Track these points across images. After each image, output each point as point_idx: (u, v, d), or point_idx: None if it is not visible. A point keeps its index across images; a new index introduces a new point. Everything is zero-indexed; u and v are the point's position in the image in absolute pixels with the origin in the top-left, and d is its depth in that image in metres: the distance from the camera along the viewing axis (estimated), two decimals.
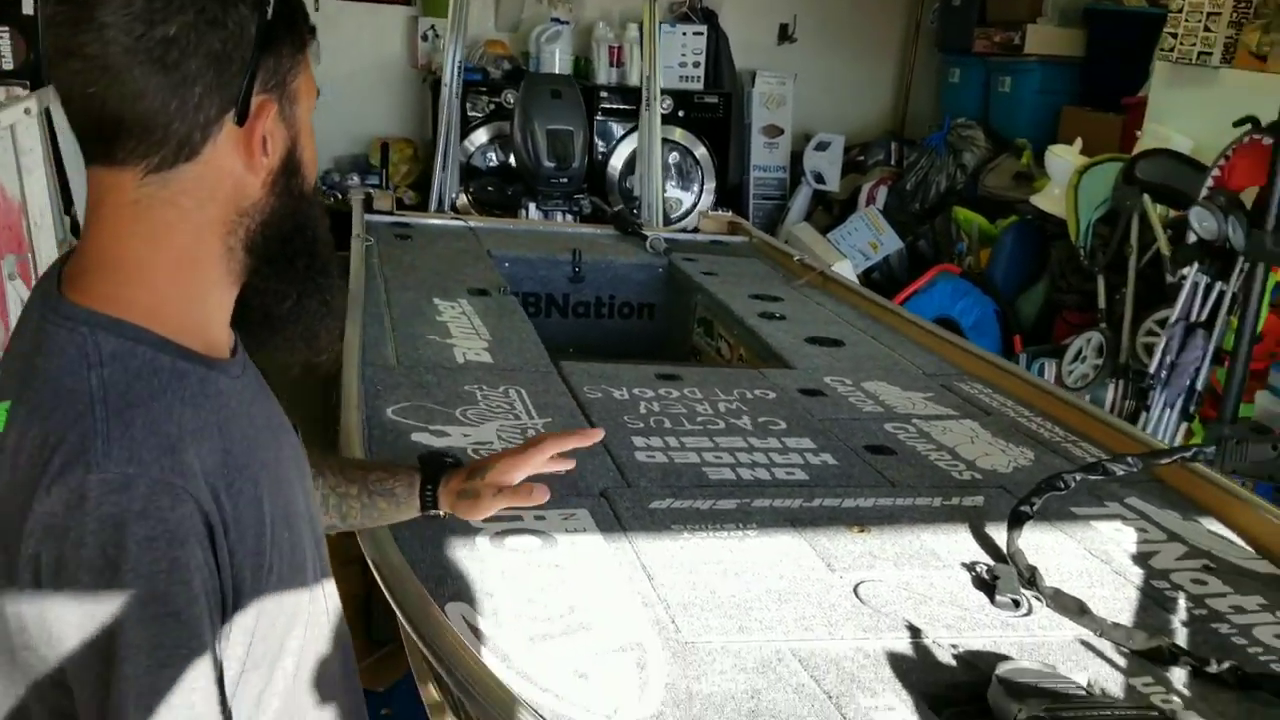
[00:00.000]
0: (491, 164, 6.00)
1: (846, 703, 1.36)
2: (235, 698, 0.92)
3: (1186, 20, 4.34)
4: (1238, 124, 3.39)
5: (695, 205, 6.05)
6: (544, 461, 1.36)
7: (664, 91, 5.52)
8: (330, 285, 1.04)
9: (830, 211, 6.28)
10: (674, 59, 6.13)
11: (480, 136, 5.93)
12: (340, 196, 5.81)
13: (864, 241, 5.34)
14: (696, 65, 6.24)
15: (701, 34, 6.29)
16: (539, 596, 1.54)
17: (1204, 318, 3.22)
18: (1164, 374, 3.27)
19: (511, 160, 5.82)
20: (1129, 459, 1.89)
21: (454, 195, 4.62)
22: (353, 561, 1.86)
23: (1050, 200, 4.30)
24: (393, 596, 1.46)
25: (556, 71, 5.79)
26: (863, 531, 1.83)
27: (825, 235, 5.50)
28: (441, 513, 1.37)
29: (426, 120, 6.24)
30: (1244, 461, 1.65)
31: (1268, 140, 3.15)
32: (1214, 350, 3.22)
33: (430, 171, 5.64)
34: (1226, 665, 1.46)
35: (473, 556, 1.62)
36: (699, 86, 6.25)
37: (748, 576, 1.65)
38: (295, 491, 1.04)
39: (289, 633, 0.99)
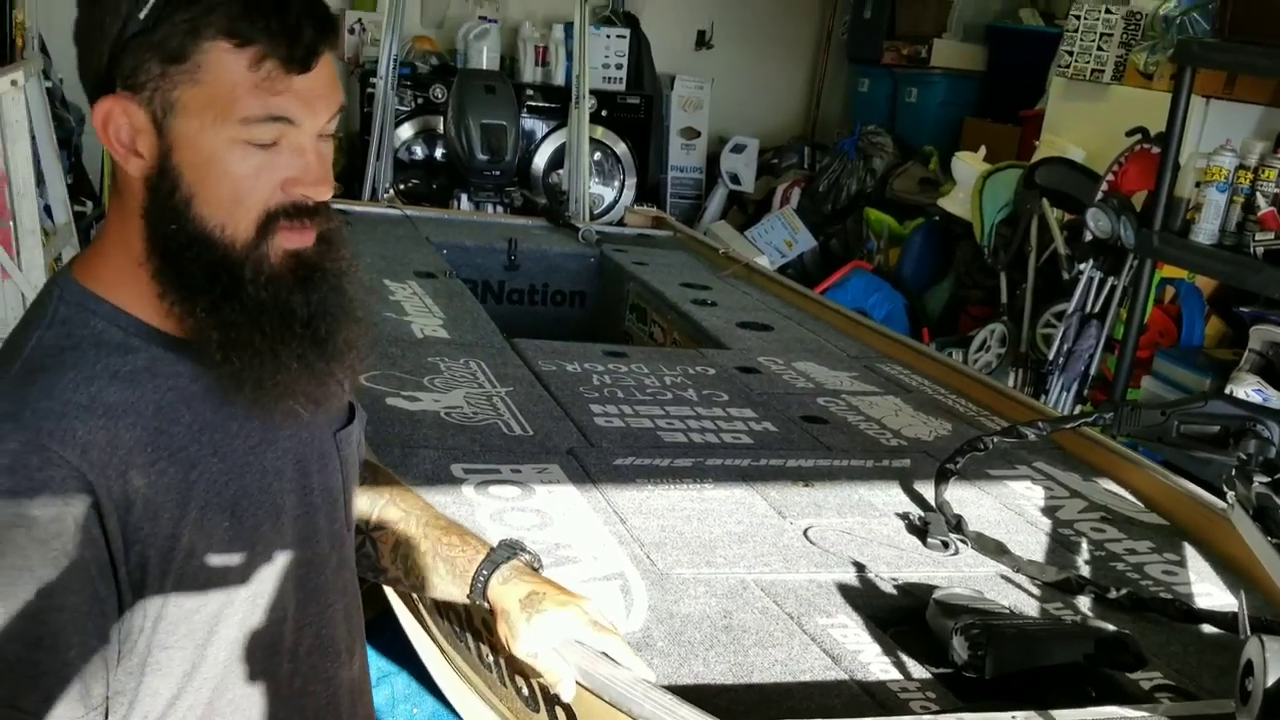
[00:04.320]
0: (417, 157, 6.09)
1: (806, 622, 1.55)
2: (150, 669, 1.00)
3: (1081, 40, 4.68)
4: (1130, 134, 3.71)
5: (616, 201, 6.23)
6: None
7: (590, 91, 5.69)
8: (257, 338, 1.00)
9: (745, 211, 6.53)
10: (598, 60, 6.30)
11: (406, 131, 6.01)
12: None
13: (780, 239, 5.60)
14: (619, 67, 6.43)
15: (624, 37, 6.48)
16: (526, 536, 1.69)
17: (1097, 310, 3.54)
18: (1061, 361, 3.57)
19: (437, 154, 5.92)
20: (1039, 424, 2.13)
21: (387, 186, 4.71)
22: None
23: (956, 203, 4.60)
24: None
25: (485, 68, 5.91)
26: (807, 486, 2.03)
27: (743, 233, 5.73)
28: (485, 604, 1.23)
29: (354, 113, 6.29)
30: (1137, 425, 1.88)
31: (1155, 149, 3.48)
32: (1105, 339, 3.53)
33: (357, 163, 5.73)
34: (1124, 591, 1.70)
35: (460, 501, 1.77)
36: (621, 88, 6.44)
37: (709, 521, 1.83)
38: (267, 484, 1.06)
39: (219, 620, 1.03)
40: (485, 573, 1.23)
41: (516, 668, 1.40)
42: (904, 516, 1.94)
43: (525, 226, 4.44)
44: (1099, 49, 4.58)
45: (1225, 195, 2.94)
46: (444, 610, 1.57)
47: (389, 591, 2.01)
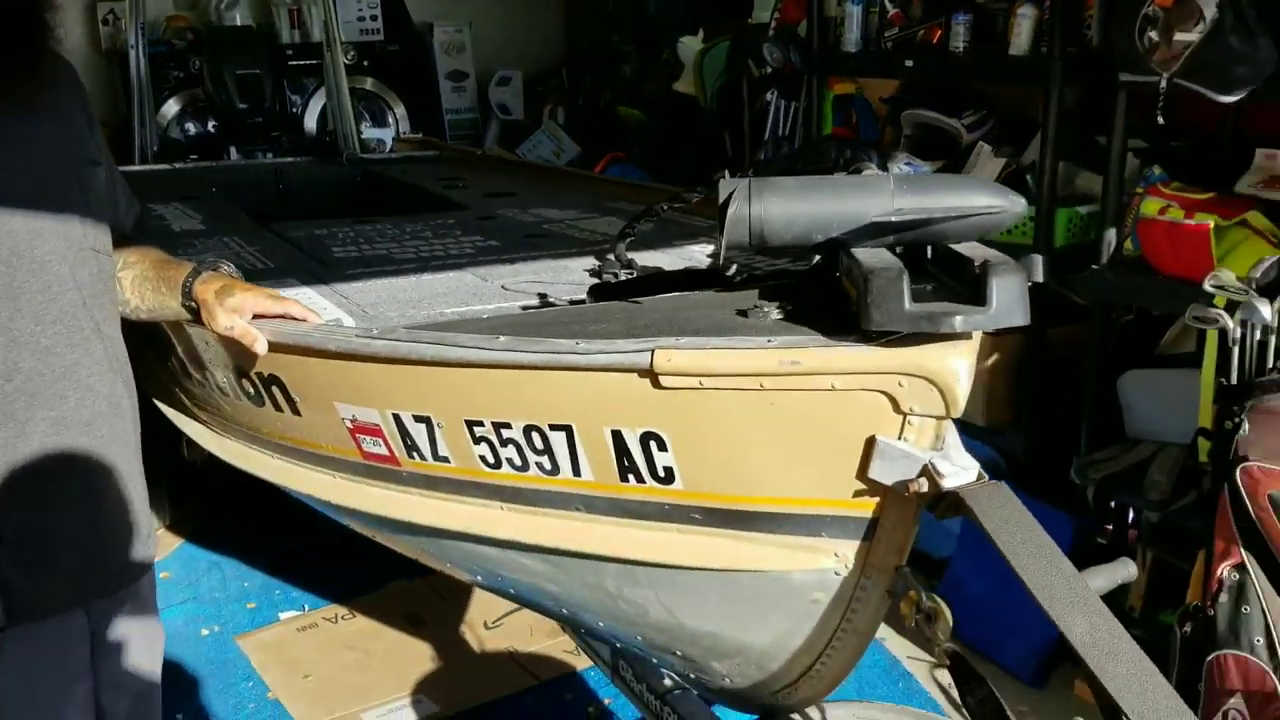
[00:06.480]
0: (191, 134, 6.21)
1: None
2: None
3: None
4: None
5: (394, 143, 6.50)
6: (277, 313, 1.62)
7: (346, 43, 5.94)
8: None
9: (520, 139, 6.89)
10: (351, 14, 6.55)
11: (173, 107, 6.13)
12: None
13: (548, 151, 5.99)
14: (374, 19, 6.68)
15: None
16: None
17: (787, 134, 4.03)
18: None
19: (210, 127, 6.08)
20: (701, 188, 2.56)
21: (154, 148, 4.89)
22: None
23: (685, 83, 5.06)
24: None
25: None
26: (513, 264, 2.42)
27: (514, 152, 6.10)
28: (191, 303, 1.62)
29: (119, 101, 6.37)
30: (814, 162, 2.32)
31: None
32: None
33: (127, 148, 5.84)
34: (746, 276, 2.13)
35: None
36: (380, 38, 6.70)
37: (422, 289, 2.21)
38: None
39: None
40: (190, 279, 1.65)
41: (242, 375, 1.75)
42: (589, 272, 2.35)
43: (293, 163, 4.70)
44: None
45: (860, 7, 3.46)
46: (187, 367, 1.90)
47: (172, 413, 2.32)
